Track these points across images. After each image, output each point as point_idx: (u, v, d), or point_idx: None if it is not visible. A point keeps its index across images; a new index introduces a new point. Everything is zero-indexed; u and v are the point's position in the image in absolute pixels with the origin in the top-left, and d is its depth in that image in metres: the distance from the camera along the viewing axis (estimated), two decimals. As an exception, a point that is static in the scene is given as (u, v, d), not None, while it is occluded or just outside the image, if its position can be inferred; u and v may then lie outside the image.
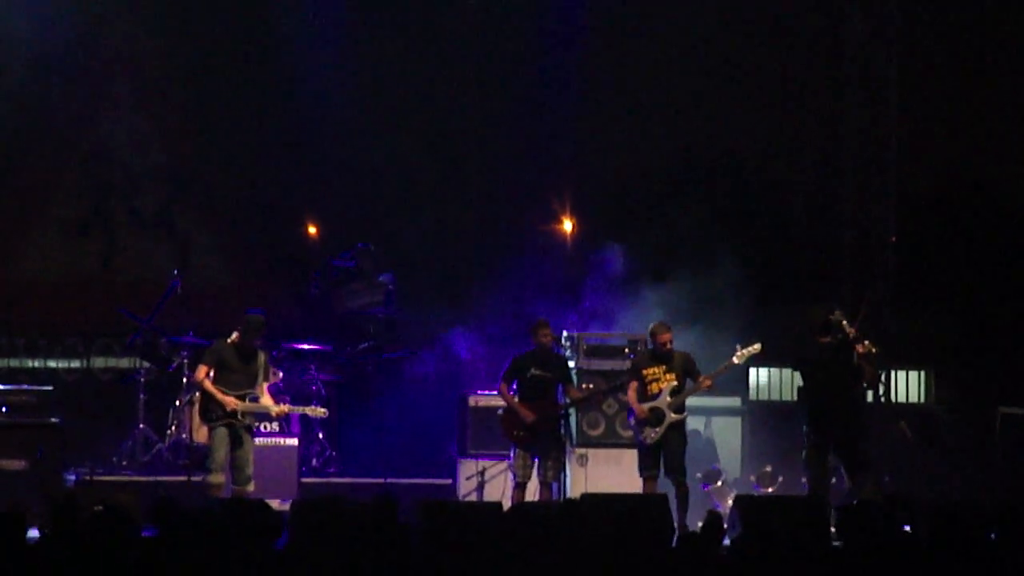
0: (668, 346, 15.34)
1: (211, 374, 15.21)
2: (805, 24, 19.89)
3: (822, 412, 14.72)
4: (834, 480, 14.89)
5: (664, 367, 15.34)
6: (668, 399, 15.23)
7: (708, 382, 15.27)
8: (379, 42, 20.11)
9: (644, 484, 15.23)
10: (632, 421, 15.42)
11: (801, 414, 15.09)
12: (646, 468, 15.24)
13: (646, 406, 15.24)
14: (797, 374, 15.77)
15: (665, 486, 15.11)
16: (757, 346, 15.39)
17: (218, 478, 15.00)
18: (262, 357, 15.38)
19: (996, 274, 19.84)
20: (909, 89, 19.81)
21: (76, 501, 10.44)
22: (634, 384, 15.37)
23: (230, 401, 15.06)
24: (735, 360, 15.39)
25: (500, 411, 15.82)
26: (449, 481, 17.07)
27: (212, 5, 19.96)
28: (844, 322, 14.65)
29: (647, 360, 15.49)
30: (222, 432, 15.09)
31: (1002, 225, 20.03)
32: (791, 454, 15.03)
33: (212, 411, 15.14)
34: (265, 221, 20.24)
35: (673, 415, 15.22)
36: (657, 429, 15.19)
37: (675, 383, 15.25)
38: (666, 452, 15.20)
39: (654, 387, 15.29)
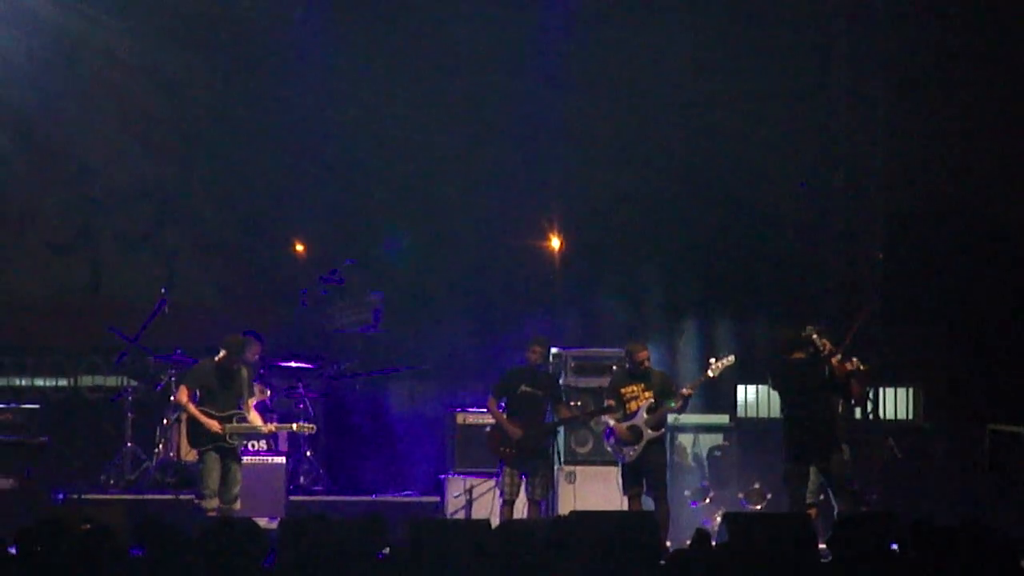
0: (645, 364, 15.34)
1: (196, 396, 15.17)
2: (793, 42, 19.89)
3: (797, 427, 14.71)
4: (822, 497, 14.86)
5: (642, 385, 15.33)
6: (645, 416, 15.22)
7: (686, 392, 15.28)
8: (366, 61, 20.10)
9: (629, 503, 15.22)
10: (611, 440, 15.39)
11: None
12: (629, 487, 15.25)
13: (624, 424, 15.23)
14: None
15: (649, 504, 15.09)
16: (731, 358, 15.39)
17: (212, 503, 14.99)
18: (244, 374, 15.35)
19: (984, 291, 19.83)
20: (897, 107, 19.82)
21: (63, 520, 10.39)
22: (612, 404, 15.37)
23: (214, 425, 15.02)
24: (710, 373, 15.39)
25: (487, 428, 15.79)
26: (437, 499, 17.04)
27: (198, 24, 19.95)
28: (815, 336, 14.63)
29: (624, 379, 15.48)
30: (212, 456, 15.06)
31: (990, 242, 20.01)
32: (779, 471, 14.99)
33: (200, 436, 15.10)
34: (252, 239, 20.23)
35: (651, 432, 15.20)
36: (636, 447, 15.19)
37: (652, 400, 15.24)
38: (647, 470, 15.19)
39: (632, 405, 15.29)
